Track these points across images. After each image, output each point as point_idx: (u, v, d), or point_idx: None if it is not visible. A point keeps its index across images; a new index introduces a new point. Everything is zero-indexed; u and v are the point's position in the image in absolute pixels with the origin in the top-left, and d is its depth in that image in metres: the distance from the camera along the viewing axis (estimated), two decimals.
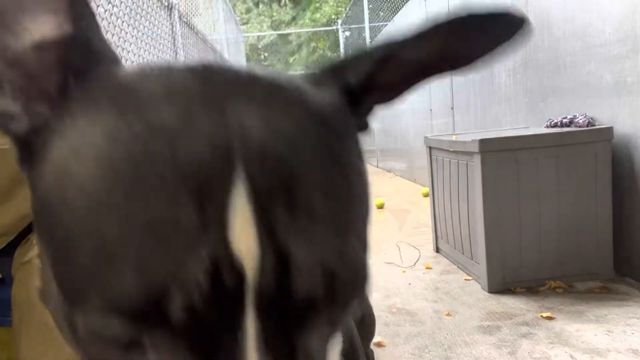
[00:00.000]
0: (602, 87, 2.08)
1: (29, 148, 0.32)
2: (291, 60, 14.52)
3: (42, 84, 0.32)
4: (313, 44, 14.03)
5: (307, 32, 13.74)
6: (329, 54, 13.71)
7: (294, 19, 14.63)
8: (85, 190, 0.27)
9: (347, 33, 10.40)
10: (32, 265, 1.16)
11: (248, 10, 14.83)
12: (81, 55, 0.32)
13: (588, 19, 2.14)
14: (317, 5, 13.82)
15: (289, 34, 14.33)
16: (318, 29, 13.26)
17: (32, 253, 1.16)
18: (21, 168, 0.34)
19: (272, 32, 14.47)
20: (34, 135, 0.32)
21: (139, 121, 0.27)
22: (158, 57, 3.10)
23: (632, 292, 1.89)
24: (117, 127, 0.27)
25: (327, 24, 13.15)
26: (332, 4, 13.39)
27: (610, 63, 2.02)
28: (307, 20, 14.05)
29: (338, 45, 13.11)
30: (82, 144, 0.28)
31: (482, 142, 1.95)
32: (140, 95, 0.29)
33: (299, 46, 14.39)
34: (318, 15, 13.72)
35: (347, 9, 10.17)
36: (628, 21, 1.90)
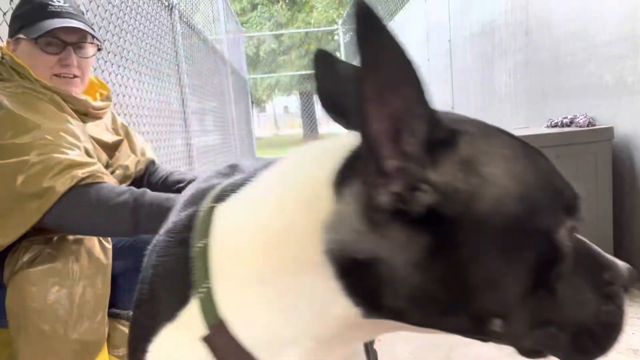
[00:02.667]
0: (603, 87, 2.08)
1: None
2: (281, 62, 14.54)
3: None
4: (306, 47, 14.02)
5: (301, 34, 13.74)
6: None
7: (289, 20, 14.65)
8: (513, 172, 0.43)
9: (347, 37, 10.41)
10: (24, 274, 1.15)
11: (245, 12, 14.85)
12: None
13: (588, 19, 2.14)
14: (313, 5, 13.83)
15: (281, 35, 14.33)
16: (318, 29, 13.27)
17: (23, 261, 1.16)
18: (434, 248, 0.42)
19: (270, 32, 14.48)
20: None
21: (521, 143, 0.47)
22: (158, 57, 3.10)
23: (633, 292, 1.89)
24: (511, 142, 0.46)
25: (326, 26, 13.16)
26: (320, 9, 13.38)
27: (611, 63, 2.02)
28: (301, 23, 14.06)
29: (334, 48, 13.12)
30: (494, 155, 0.43)
31: None
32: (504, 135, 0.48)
33: (290, 48, 14.40)
34: (312, 20, 13.72)
35: (346, 10, 10.17)
36: (628, 21, 1.90)
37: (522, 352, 0.49)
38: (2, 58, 1.25)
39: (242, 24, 13.81)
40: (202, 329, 0.48)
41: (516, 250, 0.41)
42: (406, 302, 0.42)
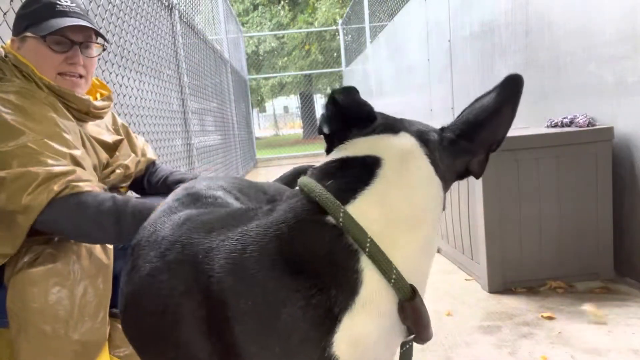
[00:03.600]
0: (603, 87, 2.08)
1: None
2: (281, 63, 14.53)
3: None
4: (307, 47, 14.01)
5: (302, 34, 13.73)
6: (320, 57, 13.71)
7: (291, 21, 14.64)
8: None
9: (348, 37, 10.40)
10: (25, 274, 1.15)
11: (247, 12, 14.83)
12: None
13: (588, 18, 2.14)
14: (315, 7, 13.82)
15: (282, 36, 14.33)
16: (318, 29, 13.26)
17: (23, 262, 1.16)
18: None
19: (270, 32, 14.46)
20: None
21: None
22: (158, 57, 3.10)
23: (633, 292, 1.89)
24: None
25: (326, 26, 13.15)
26: (324, 10, 13.37)
27: (611, 63, 2.02)
28: (302, 23, 14.06)
29: (332, 49, 13.10)
30: None
31: None
32: None
33: (290, 48, 14.39)
34: (315, 21, 13.71)
35: (347, 9, 10.17)
36: (628, 21, 1.90)
37: None
38: (6, 57, 1.25)
39: (242, 24, 13.80)
40: (393, 302, 0.60)
41: None
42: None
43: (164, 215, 0.81)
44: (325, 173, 0.67)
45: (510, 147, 1.99)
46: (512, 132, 2.28)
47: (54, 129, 1.19)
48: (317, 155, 10.35)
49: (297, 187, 0.69)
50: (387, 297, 0.60)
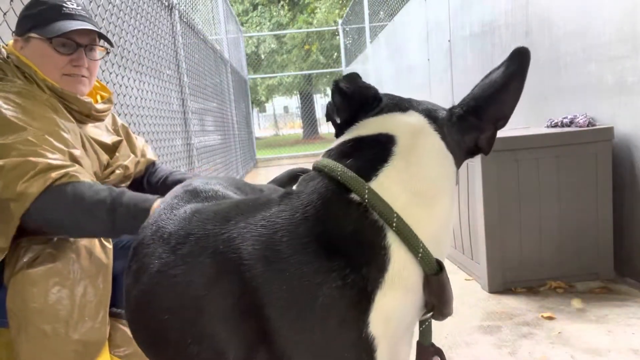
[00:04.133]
0: (603, 87, 2.08)
1: None
2: (280, 60, 14.53)
3: None
4: (306, 47, 14.01)
5: (302, 34, 13.72)
6: (321, 58, 13.71)
7: (291, 21, 14.64)
8: None
9: (348, 37, 10.40)
10: (24, 274, 1.15)
11: (247, 12, 14.83)
12: None
13: (588, 19, 2.14)
14: (315, 6, 13.82)
15: (283, 36, 14.33)
16: (318, 29, 13.26)
17: (23, 262, 1.16)
18: None
19: (270, 32, 14.45)
20: None
21: None
22: (158, 57, 3.10)
23: (633, 292, 1.89)
24: None
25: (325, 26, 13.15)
26: (324, 10, 13.37)
27: (611, 63, 2.02)
28: (302, 23, 14.06)
29: (333, 48, 13.10)
30: None
31: None
32: None
33: (291, 48, 14.39)
34: (315, 20, 13.71)
35: (347, 9, 10.17)
36: (628, 21, 1.90)
37: None
38: (7, 57, 1.25)
39: (242, 24, 13.80)
40: (419, 277, 0.61)
41: None
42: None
43: (165, 212, 0.80)
44: (343, 153, 0.67)
45: (510, 147, 1.99)
46: (512, 132, 2.28)
47: (54, 127, 1.19)
48: (317, 155, 10.32)
49: (311, 172, 0.70)
50: (414, 272, 0.61)
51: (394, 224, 0.59)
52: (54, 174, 1.09)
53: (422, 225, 0.61)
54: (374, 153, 0.65)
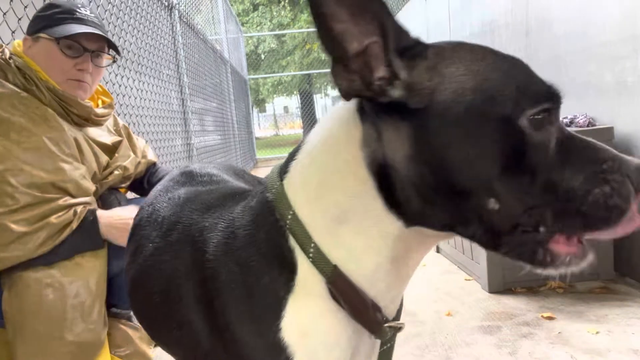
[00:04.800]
0: (603, 87, 2.08)
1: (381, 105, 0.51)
2: (284, 62, 14.53)
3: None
4: (307, 46, 14.01)
5: (302, 34, 13.72)
6: (322, 56, 13.70)
7: (292, 20, 14.64)
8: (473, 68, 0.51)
9: None
10: (19, 276, 1.15)
11: (247, 12, 14.82)
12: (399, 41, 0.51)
13: (588, 18, 2.14)
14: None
15: (284, 35, 14.32)
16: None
17: (17, 265, 1.15)
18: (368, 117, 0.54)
19: (270, 32, 14.45)
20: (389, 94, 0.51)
21: (490, 52, 0.53)
22: (158, 57, 3.10)
23: (633, 292, 1.89)
24: (478, 50, 0.53)
25: None
26: None
27: (611, 63, 2.02)
28: (303, 23, 14.06)
29: None
30: (460, 66, 0.51)
31: None
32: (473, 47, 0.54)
33: (291, 48, 14.38)
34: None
35: None
36: (628, 21, 1.90)
37: (521, 231, 0.53)
38: (10, 58, 1.25)
39: (243, 24, 13.80)
40: (321, 282, 0.55)
41: (480, 134, 0.49)
42: (418, 199, 0.51)
43: (161, 194, 0.84)
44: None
45: None
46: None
47: (41, 142, 1.19)
48: None
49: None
50: (317, 277, 0.56)
51: (288, 223, 0.56)
52: (15, 255, 1.14)
53: (316, 222, 0.56)
54: (294, 150, 0.62)
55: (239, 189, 0.77)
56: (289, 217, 0.56)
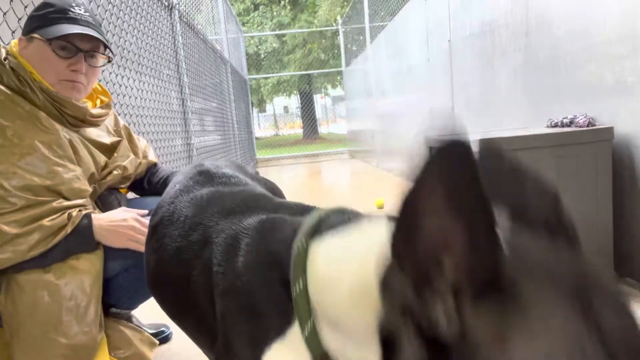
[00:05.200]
0: (603, 87, 2.08)
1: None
2: (285, 60, 14.54)
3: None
4: (309, 46, 14.02)
5: (304, 33, 13.73)
6: (322, 56, 13.71)
7: (292, 20, 14.64)
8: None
9: (349, 37, 10.40)
10: (13, 278, 1.15)
11: (248, 12, 14.83)
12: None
13: (588, 18, 2.14)
14: (317, 5, 13.82)
15: (284, 35, 14.33)
16: (318, 28, 13.26)
17: (11, 267, 1.15)
18: None
19: (270, 32, 14.46)
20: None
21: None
22: (158, 57, 3.10)
23: (633, 292, 1.89)
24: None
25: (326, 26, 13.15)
26: (325, 9, 13.37)
27: (611, 63, 2.02)
28: (304, 23, 14.06)
29: (334, 47, 13.09)
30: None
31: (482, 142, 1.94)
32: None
33: (294, 47, 14.39)
34: (316, 20, 13.72)
35: (347, 9, 10.17)
36: (629, 21, 1.90)
37: None
38: (5, 59, 1.24)
39: (243, 24, 13.79)
40: (307, 356, 0.54)
41: None
42: None
43: (182, 194, 0.86)
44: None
45: (510, 147, 1.98)
46: (512, 132, 2.28)
47: (29, 149, 1.17)
48: (316, 155, 10.34)
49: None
50: (303, 351, 0.55)
51: (297, 288, 0.55)
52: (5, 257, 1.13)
53: (328, 301, 0.53)
54: (340, 219, 0.60)
55: (258, 196, 0.80)
56: (299, 286, 0.55)
